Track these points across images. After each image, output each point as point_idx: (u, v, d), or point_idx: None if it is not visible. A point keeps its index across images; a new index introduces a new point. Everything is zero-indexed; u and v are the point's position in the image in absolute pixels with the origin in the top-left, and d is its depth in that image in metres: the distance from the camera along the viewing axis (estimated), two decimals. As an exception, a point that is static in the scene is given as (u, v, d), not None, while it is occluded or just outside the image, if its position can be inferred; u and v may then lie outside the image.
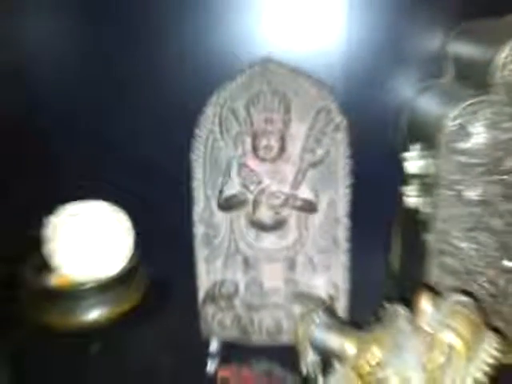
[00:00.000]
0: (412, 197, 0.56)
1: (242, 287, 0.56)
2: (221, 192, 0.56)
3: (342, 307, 0.57)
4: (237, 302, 0.56)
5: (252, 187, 0.55)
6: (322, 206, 0.57)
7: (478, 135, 0.48)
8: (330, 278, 0.57)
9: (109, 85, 0.65)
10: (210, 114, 0.58)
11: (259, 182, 0.55)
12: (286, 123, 0.56)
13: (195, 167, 0.58)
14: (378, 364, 0.38)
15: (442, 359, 0.35)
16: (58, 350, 0.59)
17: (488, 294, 0.55)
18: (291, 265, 0.56)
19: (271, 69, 0.57)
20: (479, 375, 0.35)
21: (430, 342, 0.36)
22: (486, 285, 0.54)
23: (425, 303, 0.38)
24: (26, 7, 0.64)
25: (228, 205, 0.56)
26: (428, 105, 0.59)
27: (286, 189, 0.55)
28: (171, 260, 0.63)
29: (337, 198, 0.57)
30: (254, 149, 0.55)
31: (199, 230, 0.58)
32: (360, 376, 0.39)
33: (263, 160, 0.55)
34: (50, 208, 0.59)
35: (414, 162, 0.55)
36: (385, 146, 0.63)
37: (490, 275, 0.54)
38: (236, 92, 0.57)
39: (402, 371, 0.37)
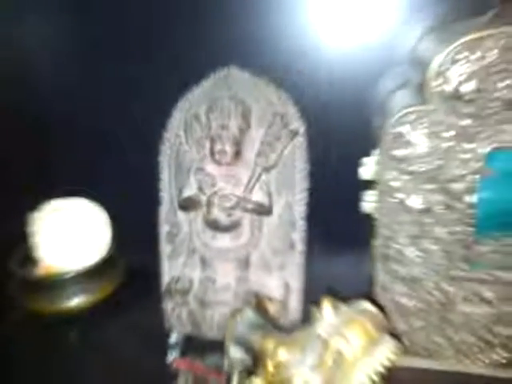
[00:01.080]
0: (367, 202, 0.57)
1: (196, 284, 0.59)
2: (180, 193, 0.60)
3: (295, 307, 0.59)
4: (191, 297, 0.59)
5: (206, 190, 0.58)
6: (278, 208, 0.59)
7: (417, 143, 0.49)
8: (283, 279, 0.59)
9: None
10: (176, 118, 0.62)
11: (213, 185, 0.58)
12: (243, 129, 0.58)
13: (162, 169, 0.62)
14: (282, 365, 0.40)
15: (330, 363, 0.37)
16: (41, 335, 0.65)
17: (437, 301, 0.55)
18: (244, 264, 0.59)
19: (233, 75, 0.60)
20: (367, 379, 0.36)
21: (323, 346, 0.38)
22: (434, 292, 0.54)
23: (325, 309, 0.39)
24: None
25: (185, 205, 0.59)
26: (385, 111, 0.59)
27: (240, 192, 0.58)
28: (146, 253, 0.67)
29: (293, 202, 0.59)
30: (211, 153, 0.58)
31: (164, 228, 0.62)
32: (266, 375, 0.41)
33: (219, 164, 0.58)
34: (33, 204, 0.65)
35: (367, 167, 0.56)
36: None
37: (438, 283, 0.54)
38: (199, 97, 0.60)
39: (303, 373, 0.39)
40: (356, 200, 0.57)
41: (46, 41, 0.71)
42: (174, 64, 0.65)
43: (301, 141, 0.59)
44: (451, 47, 0.46)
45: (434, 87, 0.47)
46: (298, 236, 0.59)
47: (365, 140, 0.55)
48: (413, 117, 0.48)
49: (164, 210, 0.62)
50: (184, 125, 0.61)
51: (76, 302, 0.65)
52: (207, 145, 0.59)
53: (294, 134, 0.58)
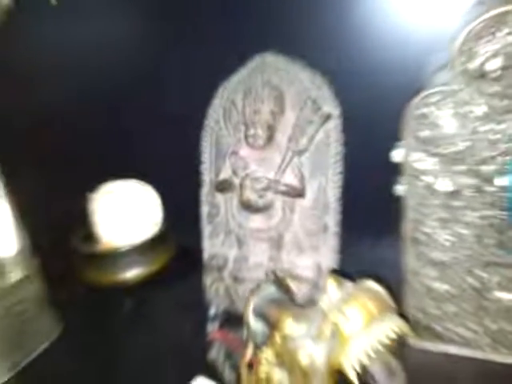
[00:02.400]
0: (399, 185, 0.57)
1: (230, 261, 0.62)
2: (217, 176, 0.63)
3: (327, 288, 0.60)
4: (226, 274, 0.62)
5: (239, 172, 0.61)
6: (311, 191, 0.60)
7: (442, 125, 0.48)
8: (316, 260, 0.60)
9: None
10: (216, 105, 0.65)
11: (245, 168, 0.61)
12: (276, 114, 0.60)
13: (204, 153, 0.66)
14: (288, 337, 0.42)
15: (328, 336, 0.38)
16: (99, 303, 0.72)
17: (471, 287, 0.53)
18: (277, 244, 0.61)
19: (268, 62, 0.62)
20: (364, 355, 0.37)
21: (322, 319, 0.39)
22: (468, 278, 0.53)
23: (329, 285, 0.40)
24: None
25: (221, 187, 0.63)
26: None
27: (271, 175, 0.60)
28: (193, 231, 0.71)
29: (327, 184, 0.60)
30: (245, 137, 0.61)
31: (205, 208, 0.66)
32: (275, 346, 0.43)
33: (252, 147, 0.61)
34: (93, 186, 0.72)
35: (398, 150, 0.55)
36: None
37: (471, 268, 0.52)
38: (236, 85, 0.63)
39: (307, 346, 0.41)
40: (389, 183, 0.57)
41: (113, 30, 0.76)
42: (214, 53, 0.68)
43: (335, 124, 0.60)
44: (475, 22, 0.44)
45: (459, 66, 0.45)
46: (332, 218, 0.60)
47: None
48: (437, 97, 0.47)
49: (205, 192, 0.65)
50: (223, 111, 0.64)
51: (130, 274, 0.71)
52: (242, 129, 0.61)
53: (327, 117, 0.59)
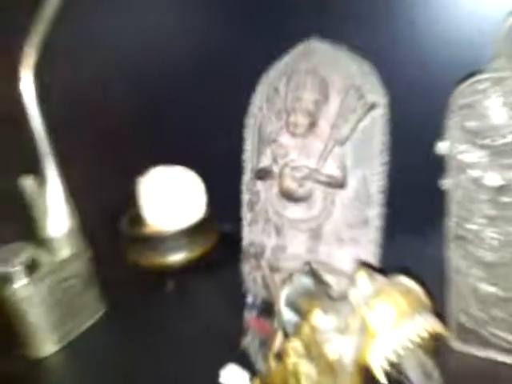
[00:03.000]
0: (445, 179, 0.54)
1: (268, 250, 0.62)
2: (258, 163, 0.63)
3: (366, 282, 0.58)
4: (263, 262, 0.62)
5: (279, 160, 0.60)
6: (353, 182, 0.58)
7: (491, 114, 0.44)
8: (355, 254, 0.59)
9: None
10: (259, 92, 0.64)
11: (285, 156, 0.60)
12: (318, 101, 0.58)
13: (246, 140, 0.66)
14: (317, 328, 0.41)
15: (356, 330, 0.37)
16: (143, 285, 0.74)
17: (521, 290, 0.50)
18: (316, 235, 0.60)
19: (313, 47, 0.60)
20: (392, 352, 0.36)
21: (351, 313, 0.38)
22: (517, 280, 0.49)
23: (359, 278, 0.39)
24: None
25: (261, 175, 0.62)
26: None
27: (312, 163, 0.59)
28: (236, 219, 0.71)
29: (370, 176, 0.58)
30: (286, 125, 0.60)
31: (246, 196, 0.66)
32: (303, 337, 0.43)
33: (293, 135, 0.59)
34: (141, 170, 0.74)
35: (444, 142, 0.52)
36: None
37: (521, 269, 0.49)
38: (280, 71, 0.62)
39: (336, 339, 0.40)
40: (436, 176, 0.54)
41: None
42: (259, 38, 0.67)
43: (381, 114, 0.57)
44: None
45: (509, 49, 0.42)
46: (374, 211, 0.58)
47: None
48: (486, 85, 0.44)
49: (246, 180, 0.65)
50: (266, 98, 0.63)
51: (173, 258, 0.72)
52: (283, 117, 0.60)
53: (372, 106, 0.57)
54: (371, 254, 0.58)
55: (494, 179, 0.46)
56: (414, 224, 0.60)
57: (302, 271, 0.49)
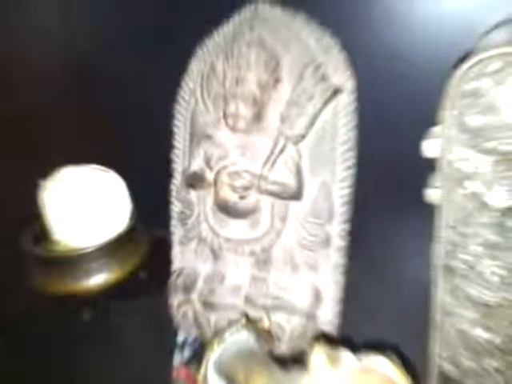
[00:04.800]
0: (432, 189, 0.41)
1: (201, 279, 0.48)
2: (188, 166, 0.48)
3: (326, 320, 0.46)
4: (195, 295, 0.48)
5: (214, 163, 0.46)
6: (310, 191, 0.45)
7: (502, 107, 0.31)
8: (313, 283, 0.46)
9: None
10: (193, 71, 0.49)
11: (222, 158, 0.45)
12: (266, 85, 0.44)
13: (176, 134, 0.51)
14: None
15: None
16: (54, 317, 0.60)
17: (524, 337, 0.38)
18: (263, 261, 0.46)
19: (261, 13, 0.46)
20: None
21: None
22: (521, 324, 0.38)
23: (316, 358, 0.26)
24: None
25: (191, 182, 0.48)
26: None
27: (257, 168, 0.44)
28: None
29: (332, 183, 0.45)
30: (224, 116, 0.45)
31: (176, 207, 0.51)
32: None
33: (233, 130, 0.45)
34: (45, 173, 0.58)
35: (433, 141, 0.39)
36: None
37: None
38: (219, 44, 0.48)
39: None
40: (418, 185, 0.41)
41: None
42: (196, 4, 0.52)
43: (345, 102, 0.44)
44: None
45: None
46: (336, 228, 0.45)
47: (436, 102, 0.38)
48: (497, 65, 0.31)
49: (176, 186, 0.51)
50: (200, 79, 0.48)
51: (91, 282, 0.58)
52: (222, 105, 0.46)
53: (336, 91, 0.43)
54: (333, 283, 0.45)
55: (500, 197, 0.33)
56: (388, 244, 0.47)
57: (237, 326, 0.35)
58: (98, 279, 0.58)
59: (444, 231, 0.38)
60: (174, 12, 0.53)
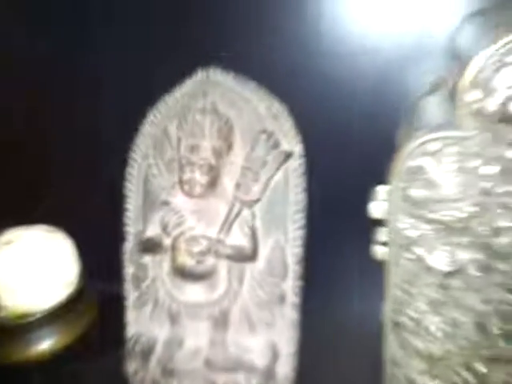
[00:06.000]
0: (379, 246, 0.44)
1: (159, 345, 0.47)
2: (144, 230, 0.48)
3: (284, 376, 0.47)
4: (153, 362, 0.47)
5: (171, 229, 0.46)
6: (265, 251, 0.47)
7: (442, 183, 0.35)
8: (270, 340, 0.47)
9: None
10: (145, 134, 0.50)
11: (180, 224, 0.46)
12: (220, 151, 0.46)
13: (129, 197, 0.51)
14: None
15: None
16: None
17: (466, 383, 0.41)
18: (221, 323, 0.47)
19: (213, 80, 0.47)
20: None
21: None
22: (464, 373, 0.41)
23: None
24: None
25: (147, 247, 0.48)
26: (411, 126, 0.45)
27: (213, 233, 0.46)
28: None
29: (285, 242, 0.47)
30: (180, 182, 0.46)
31: (129, 269, 0.51)
32: None
33: (189, 196, 0.46)
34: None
35: (379, 202, 0.42)
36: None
37: (469, 362, 0.40)
38: (171, 109, 0.49)
39: None
40: (366, 242, 0.44)
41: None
42: (147, 67, 0.53)
43: (296, 165, 0.46)
44: (494, 46, 0.32)
45: (469, 104, 0.33)
46: (290, 286, 0.47)
47: (381, 165, 0.42)
48: (437, 145, 0.34)
49: (129, 248, 0.50)
50: (153, 143, 0.49)
51: (43, 347, 0.56)
52: (176, 171, 0.47)
53: (287, 156, 0.46)
54: (289, 339, 0.47)
55: (442, 262, 0.37)
56: (341, 300, 0.50)
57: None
58: (47, 344, 0.56)
59: (392, 290, 0.41)
60: (126, 75, 0.54)
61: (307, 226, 0.48)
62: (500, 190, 0.34)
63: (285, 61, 0.51)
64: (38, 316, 0.55)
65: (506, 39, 0.32)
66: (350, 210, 0.47)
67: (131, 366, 0.49)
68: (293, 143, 0.47)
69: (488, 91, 0.32)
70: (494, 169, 0.34)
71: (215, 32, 0.51)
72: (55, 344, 0.56)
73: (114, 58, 0.55)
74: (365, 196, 0.43)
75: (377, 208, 0.41)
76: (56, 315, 0.57)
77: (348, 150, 0.50)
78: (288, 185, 0.47)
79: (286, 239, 0.47)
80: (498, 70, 0.32)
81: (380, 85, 0.48)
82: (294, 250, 0.47)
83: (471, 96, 0.33)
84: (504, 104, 0.32)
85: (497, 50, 0.32)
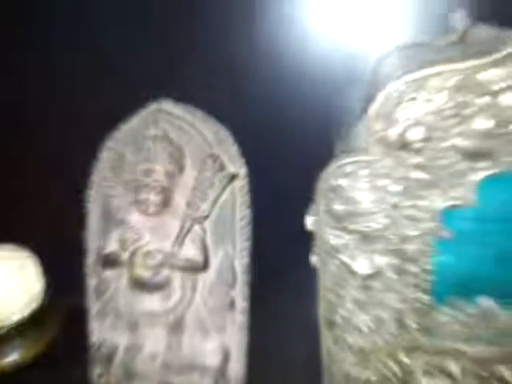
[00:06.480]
0: (314, 255, 0.49)
1: (121, 351, 0.52)
2: (104, 246, 0.53)
3: (235, 376, 0.52)
4: (115, 366, 0.52)
5: (128, 245, 0.51)
6: (215, 262, 0.52)
7: (358, 199, 0.41)
8: (222, 343, 0.52)
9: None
10: (104, 158, 0.55)
11: (136, 240, 0.51)
12: (172, 174, 0.51)
13: (89, 216, 0.55)
14: None
15: None
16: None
17: (394, 374, 0.47)
18: (177, 328, 0.51)
19: (164, 110, 0.52)
20: None
21: None
22: (390, 364, 0.47)
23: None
24: None
25: (107, 262, 0.52)
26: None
27: (167, 247, 0.51)
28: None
29: (233, 254, 0.52)
30: (136, 202, 0.51)
31: (92, 281, 0.55)
32: None
33: (144, 214, 0.51)
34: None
35: (310, 218, 0.48)
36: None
37: (394, 354, 0.46)
38: (127, 136, 0.53)
39: None
40: (304, 251, 0.50)
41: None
42: (103, 97, 0.58)
43: (241, 185, 0.52)
44: (394, 85, 0.38)
45: (376, 132, 0.39)
46: (239, 292, 0.52)
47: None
48: (352, 168, 0.40)
49: (91, 262, 0.55)
50: (111, 166, 0.54)
51: (7, 361, 0.59)
52: (133, 191, 0.51)
53: (232, 177, 0.51)
54: (238, 342, 0.52)
55: (363, 266, 0.43)
56: (286, 303, 0.55)
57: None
58: (12, 358, 0.59)
59: (324, 292, 0.46)
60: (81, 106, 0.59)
61: (253, 238, 0.53)
62: (405, 204, 0.41)
63: (228, 86, 0.57)
64: (4, 331, 0.58)
65: (408, 77, 0.39)
66: (291, 223, 0.53)
67: (95, 371, 0.53)
68: (238, 165, 0.52)
69: (390, 122, 0.38)
70: (400, 187, 0.40)
71: (164, 63, 0.56)
72: (20, 358, 0.59)
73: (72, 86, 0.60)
74: (302, 210, 0.49)
75: (310, 221, 0.47)
76: (21, 330, 0.60)
77: (288, 170, 0.56)
78: (235, 202, 0.52)
79: (234, 251, 0.52)
80: (398, 104, 0.38)
81: (309, 110, 0.54)
82: (241, 261, 0.53)
83: (377, 125, 0.39)
84: (402, 135, 0.38)
85: (400, 86, 0.39)
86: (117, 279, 0.52)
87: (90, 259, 0.55)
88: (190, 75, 0.56)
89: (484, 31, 0.44)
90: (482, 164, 0.38)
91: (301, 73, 0.58)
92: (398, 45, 0.52)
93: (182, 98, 0.53)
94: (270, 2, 0.55)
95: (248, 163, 0.53)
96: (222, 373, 0.51)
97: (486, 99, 0.37)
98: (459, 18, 0.48)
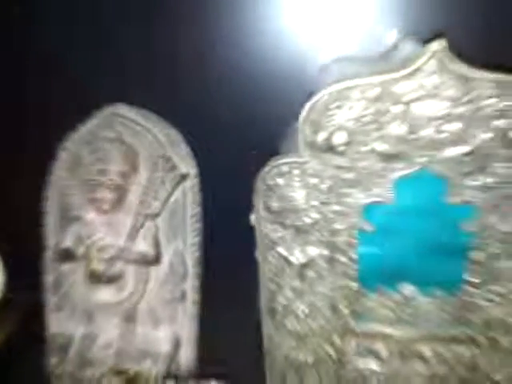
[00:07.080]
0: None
1: (76, 341, 0.55)
2: (61, 242, 0.56)
3: (186, 362, 0.56)
4: (70, 355, 0.55)
5: (84, 240, 0.54)
6: (167, 256, 0.55)
7: (292, 197, 0.46)
8: (173, 332, 0.55)
9: None
10: (62, 159, 0.58)
11: (91, 235, 0.54)
12: (126, 174, 0.54)
13: (47, 213, 0.58)
14: None
15: None
16: None
17: (329, 356, 0.52)
18: (130, 318, 0.55)
19: (119, 113, 0.56)
20: None
21: None
22: (326, 346, 0.52)
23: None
24: None
25: (63, 257, 0.55)
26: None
27: (121, 242, 0.54)
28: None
29: (184, 249, 0.56)
30: (91, 200, 0.54)
31: (49, 277, 0.58)
32: None
33: (99, 211, 0.54)
34: None
35: (253, 215, 0.52)
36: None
37: (329, 337, 0.51)
38: (84, 138, 0.57)
39: None
40: (250, 247, 0.54)
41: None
42: (62, 98, 0.61)
43: (191, 184, 0.56)
44: (321, 95, 0.43)
45: (306, 136, 0.44)
46: (190, 285, 0.56)
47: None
48: (285, 168, 0.45)
49: (48, 258, 0.58)
50: (68, 166, 0.57)
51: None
52: (88, 190, 0.55)
53: (183, 177, 0.55)
54: (189, 331, 0.56)
55: (298, 256, 0.47)
56: (233, 295, 0.59)
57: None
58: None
59: (265, 282, 0.51)
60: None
61: (203, 234, 0.57)
62: (333, 201, 0.45)
63: (184, 91, 0.60)
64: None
65: (334, 87, 0.43)
66: (238, 219, 0.57)
67: (52, 360, 0.56)
68: (189, 166, 0.56)
69: (317, 127, 0.43)
70: (328, 185, 0.45)
71: (121, 68, 0.60)
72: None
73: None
74: (249, 208, 0.53)
75: (252, 217, 0.52)
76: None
77: (239, 171, 0.60)
78: (186, 200, 0.56)
79: (185, 246, 0.56)
80: (325, 111, 0.43)
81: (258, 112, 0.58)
82: (192, 255, 0.56)
83: (307, 129, 0.44)
84: (328, 139, 0.43)
85: (326, 95, 0.43)
86: (73, 273, 0.55)
87: (49, 255, 0.58)
88: (141, 77, 0.59)
89: (407, 46, 0.50)
90: (397, 165, 0.43)
91: (251, 75, 0.61)
92: (335, 57, 0.57)
93: (135, 101, 0.57)
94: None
95: (199, 164, 0.56)
96: (172, 358, 0.55)
97: (400, 108, 0.42)
98: (388, 35, 0.54)
